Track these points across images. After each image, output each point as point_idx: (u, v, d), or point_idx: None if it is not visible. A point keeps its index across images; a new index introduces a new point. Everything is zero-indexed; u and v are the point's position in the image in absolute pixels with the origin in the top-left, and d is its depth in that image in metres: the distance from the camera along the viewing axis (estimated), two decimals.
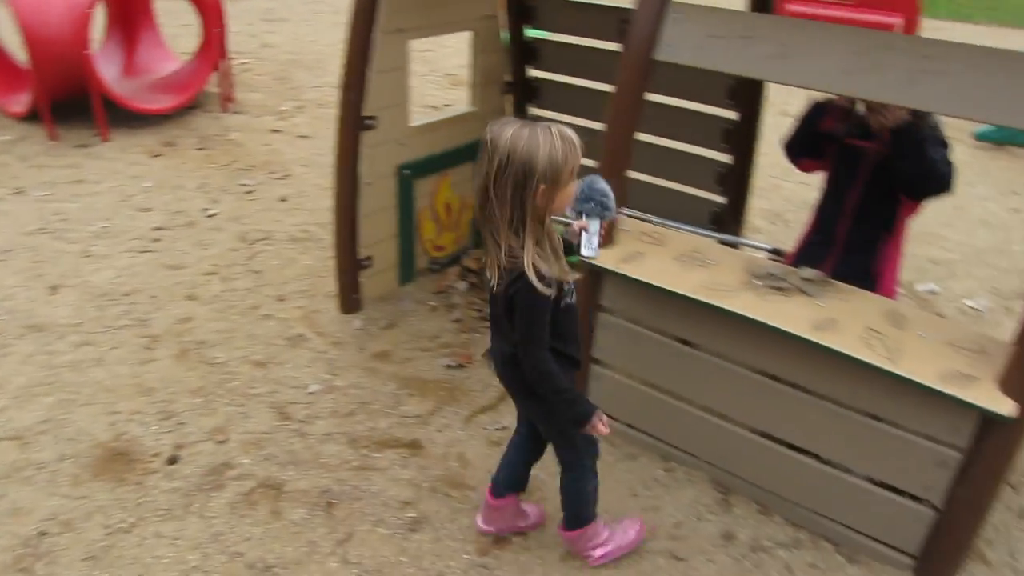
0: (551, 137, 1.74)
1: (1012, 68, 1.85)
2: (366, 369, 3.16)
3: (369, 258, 3.46)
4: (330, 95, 6.54)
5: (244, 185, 4.77)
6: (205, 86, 5.87)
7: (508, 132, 1.74)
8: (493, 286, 1.90)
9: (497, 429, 2.86)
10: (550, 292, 1.81)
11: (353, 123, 3.16)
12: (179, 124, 5.62)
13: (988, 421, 1.99)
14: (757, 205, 4.46)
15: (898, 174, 2.43)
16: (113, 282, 3.65)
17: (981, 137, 6.19)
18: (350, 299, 3.47)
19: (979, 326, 3.70)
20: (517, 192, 1.75)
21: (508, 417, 2.91)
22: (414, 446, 2.77)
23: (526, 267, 1.78)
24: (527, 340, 1.88)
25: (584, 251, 2.07)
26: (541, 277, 1.79)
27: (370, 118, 3.19)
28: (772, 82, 2.27)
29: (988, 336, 2.22)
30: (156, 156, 5.10)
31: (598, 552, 2.33)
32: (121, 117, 5.37)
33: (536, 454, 2.35)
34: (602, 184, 2.05)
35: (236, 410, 2.89)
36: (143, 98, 5.65)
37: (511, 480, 2.36)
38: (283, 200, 4.62)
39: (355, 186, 3.26)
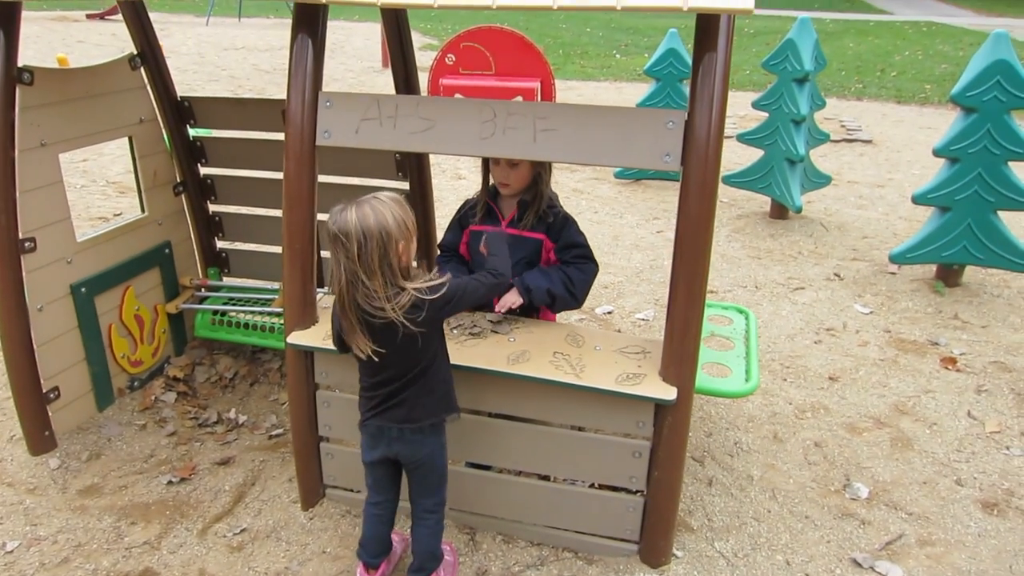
0: (386, 204, 2.06)
1: (602, 121, 2.28)
2: (74, 509, 2.88)
3: (56, 389, 3.17)
4: None
5: None
6: None
7: (352, 216, 2.02)
8: (368, 354, 2.15)
9: (236, 534, 2.76)
10: None
11: (9, 248, 2.91)
12: None
13: (661, 408, 2.36)
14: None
15: None
16: None
17: (619, 175, 7.19)
18: (41, 438, 3.14)
19: (649, 333, 4.30)
20: (384, 259, 2.03)
21: (246, 519, 2.83)
22: None
23: (420, 294, 2.10)
24: (476, 296, 2.30)
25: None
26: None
27: (28, 240, 2.96)
28: (425, 152, 2.52)
29: (649, 339, 2.63)
30: None
31: None
32: None
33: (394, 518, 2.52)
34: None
35: None
36: None
37: (383, 548, 2.50)
38: None
39: (24, 315, 2.99)
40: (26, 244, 2.96)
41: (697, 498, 2.97)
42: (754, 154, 6.18)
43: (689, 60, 6.60)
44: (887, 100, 11.29)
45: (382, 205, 2.06)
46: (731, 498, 2.98)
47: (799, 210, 5.76)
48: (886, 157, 8.19)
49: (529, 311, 2.79)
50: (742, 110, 9.02)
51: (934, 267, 4.99)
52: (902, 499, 3.00)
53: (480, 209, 2.80)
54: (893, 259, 4.88)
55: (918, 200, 4.77)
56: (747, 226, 6.05)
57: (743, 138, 6.13)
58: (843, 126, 9.34)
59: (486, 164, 2.77)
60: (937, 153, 4.66)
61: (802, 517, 2.89)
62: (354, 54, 15.07)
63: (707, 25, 2.13)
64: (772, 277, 5.09)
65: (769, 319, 4.47)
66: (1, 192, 2.85)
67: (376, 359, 2.16)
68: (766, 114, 5.96)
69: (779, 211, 6.16)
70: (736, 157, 7.15)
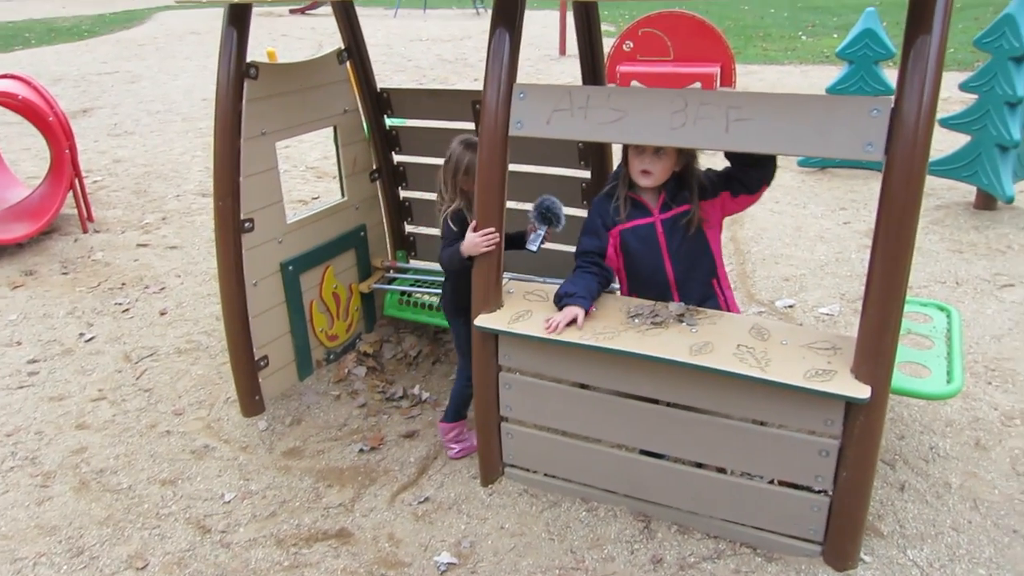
0: (471, 146, 2.83)
1: (799, 110, 2.20)
2: (280, 468, 3.17)
3: (265, 358, 3.49)
4: (194, 203, 6.51)
5: (119, 304, 4.68)
6: (60, 209, 5.72)
7: (455, 142, 2.92)
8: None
9: (420, 503, 2.94)
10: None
11: (232, 228, 3.22)
12: (37, 251, 5.45)
13: (852, 407, 2.27)
14: None
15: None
16: None
17: (803, 163, 6.86)
18: (252, 401, 3.48)
19: (833, 329, 4.11)
20: (451, 179, 2.96)
21: (430, 490, 3.00)
22: (342, 535, 2.80)
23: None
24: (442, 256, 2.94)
25: (528, 246, 2.85)
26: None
27: (248, 220, 3.27)
28: (615, 142, 2.54)
29: (839, 335, 2.52)
30: (17, 287, 4.93)
31: (456, 447, 3.17)
32: None
33: None
34: (557, 204, 2.82)
35: (151, 533, 2.83)
36: None
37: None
38: (163, 313, 4.56)
39: (242, 289, 3.31)
40: (246, 224, 3.27)
41: (887, 503, 2.82)
42: (958, 140, 5.70)
43: (887, 41, 6.19)
44: None
45: (470, 147, 2.84)
46: (926, 505, 2.80)
47: (1010, 200, 5.26)
48: None
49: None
50: (945, 92, 8.28)
51: None
52: None
53: (624, 204, 2.68)
54: None
55: None
56: (947, 217, 5.60)
57: (947, 123, 5.66)
58: None
59: (625, 153, 2.68)
60: None
61: (1009, 531, 2.67)
62: (531, 42, 15.25)
63: (921, 4, 2.02)
64: (976, 273, 4.69)
65: (972, 318, 4.13)
66: (228, 177, 3.17)
67: None
68: (975, 96, 5.48)
69: (985, 201, 5.65)
70: (937, 143, 6.60)
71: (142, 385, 3.82)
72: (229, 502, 2.99)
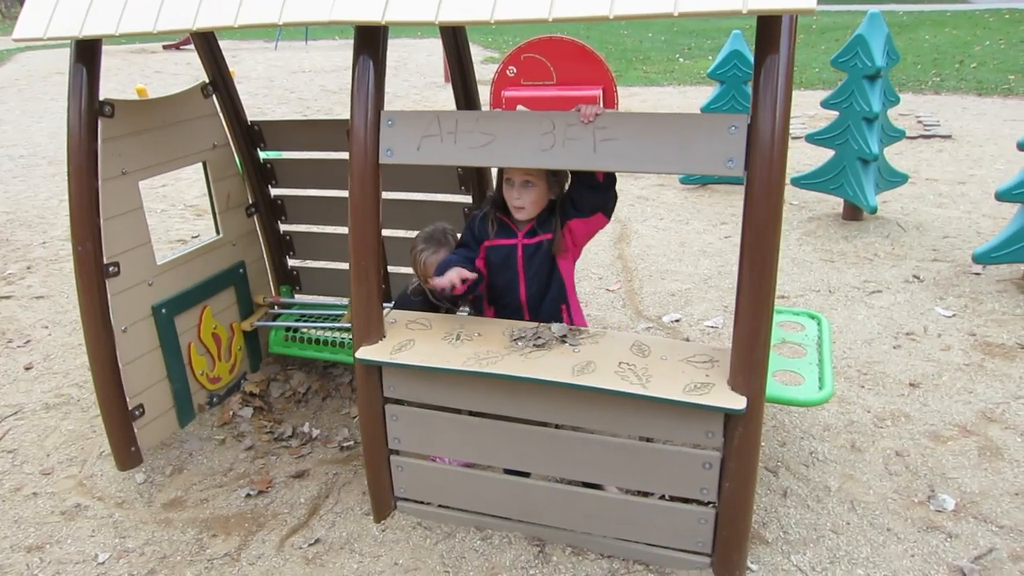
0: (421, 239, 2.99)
1: (663, 129, 2.27)
2: (159, 522, 2.99)
3: (140, 406, 3.29)
4: (62, 250, 6.15)
5: None
6: None
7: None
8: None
9: (311, 545, 2.82)
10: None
11: (95, 273, 3.04)
12: None
13: (731, 418, 2.32)
14: None
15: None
16: None
17: (685, 181, 7.10)
18: (128, 454, 3.27)
19: (718, 341, 4.23)
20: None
21: (320, 531, 2.89)
22: None
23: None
24: None
25: None
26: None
27: (112, 264, 3.10)
28: (486, 166, 2.54)
29: (716, 347, 2.58)
30: None
31: None
32: None
33: None
34: None
35: None
36: None
37: None
38: (28, 368, 4.26)
39: (110, 337, 3.13)
40: (110, 269, 3.09)
41: (772, 510, 2.90)
42: (824, 154, 6.02)
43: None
44: (967, 93, 10.86)
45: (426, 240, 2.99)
46: (807, 510, 2.89)
47: (874, 210, 5.58)
48: (967, 152, 7.87)
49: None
50: (811, 110, 8.81)
51: (1022, 267, 4.77)
52: (992, 511, 2.86)
53: (492, 222, 2.77)
54: (977, 259, 4.68)
55: (1002, 197, 4.57)
56: (819, 228, 5.90)
57: (812, 138, 5.98)
58: (920, 122, 9.02)
59: (500, 176, 2.75)
60: (1022, 147, 4.46)
61: (884, 530, 2.79)
62: (417, 70, 15.32)
63: (768, 26, 2.10)
64: (846, 280, 4.94)
65: (844, 324, 4.34)
66: (87, 220, 2.99)
67: None
68: (836, 113, 5.80)
69: (852, 212, 5.98)
70: (805, 158, 6.98)
71: (5, 446, 3.54)
72: (103, 563, 2.79)
